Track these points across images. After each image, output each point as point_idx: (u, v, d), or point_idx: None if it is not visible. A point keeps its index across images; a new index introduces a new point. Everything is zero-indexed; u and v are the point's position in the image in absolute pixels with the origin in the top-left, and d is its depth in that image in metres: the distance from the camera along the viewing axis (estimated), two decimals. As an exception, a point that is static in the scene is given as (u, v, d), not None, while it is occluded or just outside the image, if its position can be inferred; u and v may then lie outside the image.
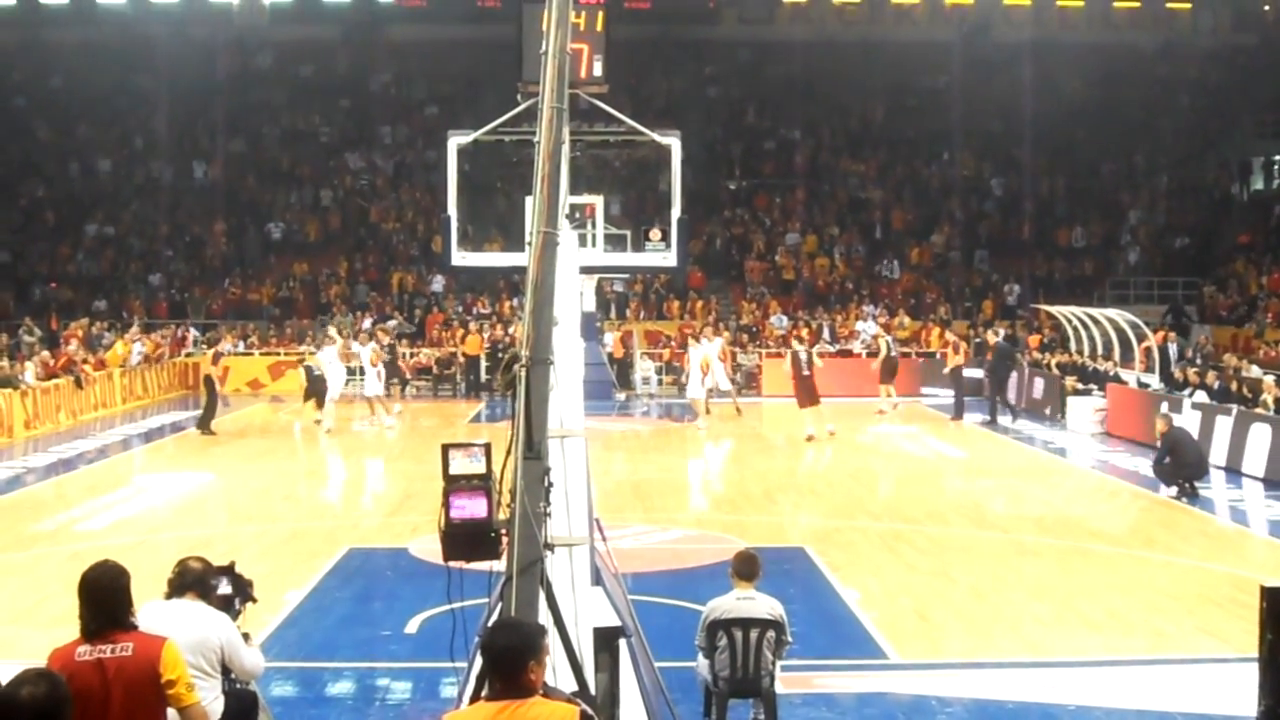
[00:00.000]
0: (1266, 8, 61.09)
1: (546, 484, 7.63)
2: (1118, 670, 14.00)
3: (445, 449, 7.74)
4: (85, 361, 37.70)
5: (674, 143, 17.08)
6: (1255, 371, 32.00)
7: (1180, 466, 24.18)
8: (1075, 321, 39.04)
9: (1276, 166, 55.89)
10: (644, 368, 44.13)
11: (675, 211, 18.52)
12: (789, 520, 22.47)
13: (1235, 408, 27.98)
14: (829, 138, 57.38)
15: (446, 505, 7.65)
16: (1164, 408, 27.68)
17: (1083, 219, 53.95)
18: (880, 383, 37.99)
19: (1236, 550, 20.52)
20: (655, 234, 19.81)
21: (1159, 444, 24.81)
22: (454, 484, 7.68)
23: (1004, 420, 35.58)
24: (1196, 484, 24.34)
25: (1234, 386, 30.03)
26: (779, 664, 11.14)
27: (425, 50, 58.39)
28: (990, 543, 20.78)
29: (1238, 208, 54.98)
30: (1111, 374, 34.58)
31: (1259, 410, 27.58)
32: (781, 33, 59.04)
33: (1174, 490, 24.13)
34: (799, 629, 11.96)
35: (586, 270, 19.47)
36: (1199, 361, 35.75)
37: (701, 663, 11.16)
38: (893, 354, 38.84)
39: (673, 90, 57.30)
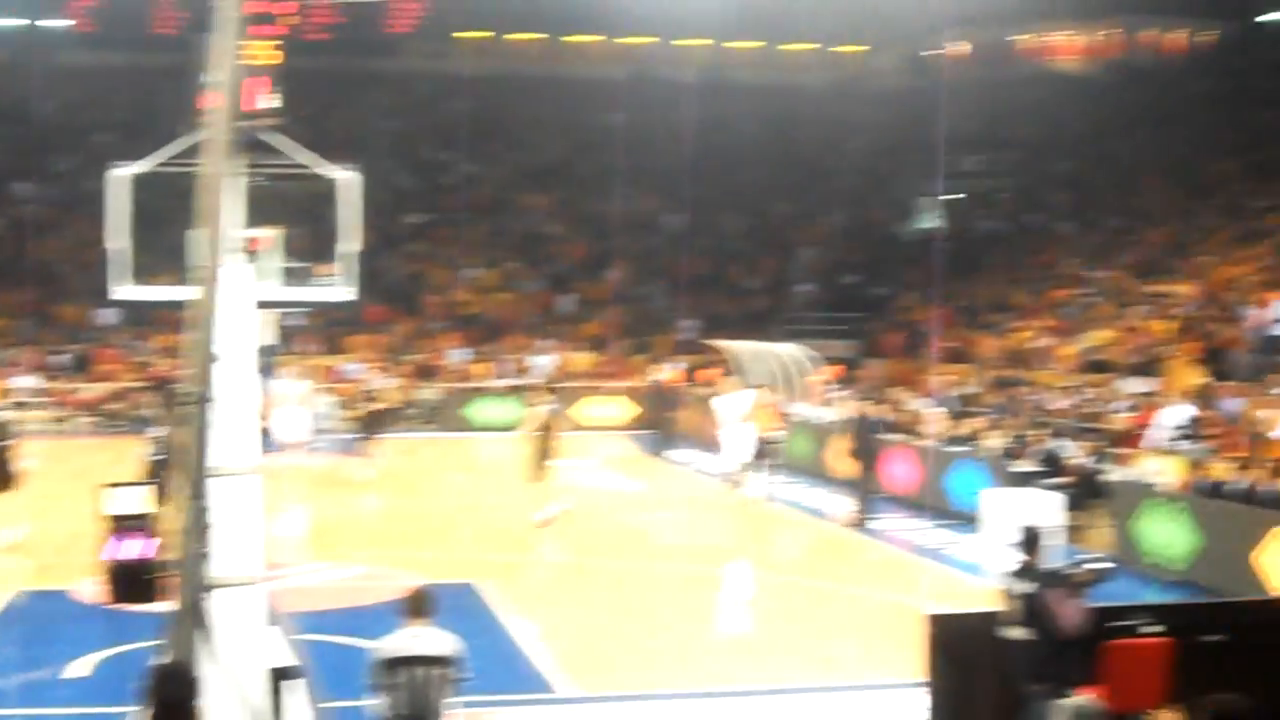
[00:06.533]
0: (935, 52, 63.37)
1: (206, 524, 7.48)
2: (789, 698, 14.29)
3: (104, 489, 7.55)
4: None
5: (351, 176, 16.98)
6: (919, 403, 33.06)
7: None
8: (748, 356, 39.75)
9: (931, 209, 57.87)
10: (322, 403, 43.44)
11: (353, 245, 18.39)
12: (465, 556, 22.41)
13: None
14: (508, 172, 57.57)
15: (108, 546, 7.46)
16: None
17: (756, 256, 55.11)
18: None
19: (904, 578, 21.13)
20: (332, 267, 19.69)
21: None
22: (114, 524, 7.49)
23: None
24: (869, 513, 25.14)
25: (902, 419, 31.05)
26: (452, 701, 11.09)
27: (96, 77, 56.84)
28: (664, 574, 21.04)
29: (904, 245, 56.75)
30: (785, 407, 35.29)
31: (920, 441, 28.58)
32: (459, 66, 59.07)
33: (850, 512, 24.94)
34: (473, 665, 11.92)
35: (264, 304, 19.18)
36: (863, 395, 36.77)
37: (375, 701, 11.05)
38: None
39: (353, 123, 56.77)
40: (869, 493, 26.01)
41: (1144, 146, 51.02)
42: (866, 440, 26.65)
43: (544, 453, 24.75)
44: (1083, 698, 11.62)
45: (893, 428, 30.13)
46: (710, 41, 60.69)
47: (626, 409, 44.19)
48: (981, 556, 21.09)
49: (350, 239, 22.95)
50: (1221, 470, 21.57)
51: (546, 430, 24.90)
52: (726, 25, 56.10)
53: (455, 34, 60.44)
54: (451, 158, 57.74)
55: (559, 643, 16.43)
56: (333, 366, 45.55)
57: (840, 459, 28.08)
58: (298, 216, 43.31)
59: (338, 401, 43.05)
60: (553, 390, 25.92)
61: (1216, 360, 30.06)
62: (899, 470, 28.07)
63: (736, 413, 28.94)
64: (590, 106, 58.54)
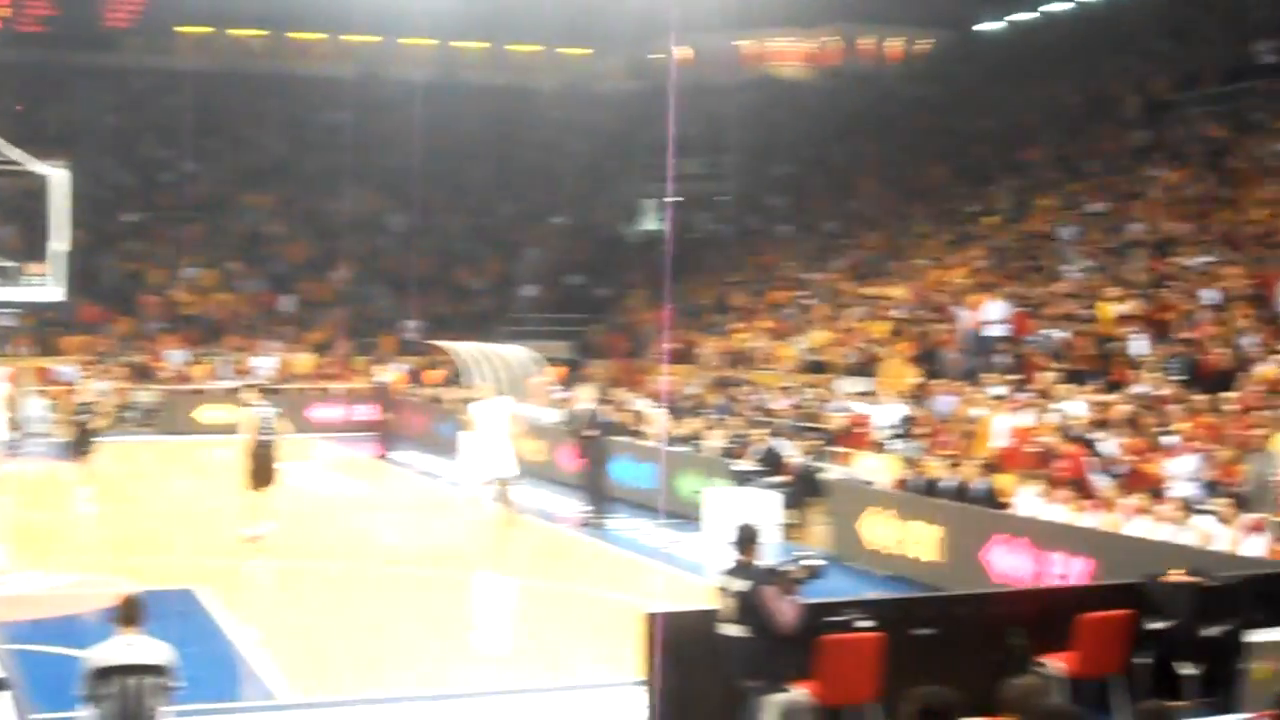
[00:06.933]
0: (659, 56, 64.01)
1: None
2: (515, 699, 14.32)
3: None
4: None
5: (60, 173, 16.52)
6: (642, 404, 33.40)
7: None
8: (473, 358, 39.65)
9: (654, 211, 58.54)
10: (35, 405, 42.18)
11: (63, 244, 17.92)
12: (183, 561, 21.97)
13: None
14: (229, 170, 56.54)
15: None
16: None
17: (481, 257, 55.07)
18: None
19: (630, 577, 21.30)
20: (40, 267, 19.14)
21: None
22: None
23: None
24: (597, 514, 25.36)
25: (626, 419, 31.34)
26: (166, 710, 10.88)
27: None
28: (389, 577, 20.93)
29: (628, 247, 57.28)
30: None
31: (644, 441, 28.88)
32: (180, 62, 57.87)
33: (578, 513, 25.14)
34: (190, 672, 11.69)
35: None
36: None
37: (86, 712, 10.79)
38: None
39: (68, 118, 55.16)
40: (597, 493, 26.18)
41: (860, 152, 52.37)
42: (594, 441, 26.79)
43: (262, 462, 22.70)
44: (796, 692, 11.86)
45: (618, 428, 30.36)
46: (436, 41, 60.46)
47: (350, 411, 43.74)
48: (704, 555, 21.39)
49: (61, 238, 22.34)
50: (934, 468, 22.22)
51: (263, 438, 22.75)
52: (453, 25, 55.88)
53: (176, 28, 59.20)
54: (170, 155, 56.52)
55: (280, 648, 16.23)
56: (46, 368, 44.24)
57: (568, 460, 28.24)
58: (6, 214, 42.21)
59: (50, 405, 41.86)
60: (268, 394, 24.84)
61: (930, 360, 30.93)
62: (625, 470, 28.28)
63: (494, 419, 28.31)
64: (314, 105, 57.94)
